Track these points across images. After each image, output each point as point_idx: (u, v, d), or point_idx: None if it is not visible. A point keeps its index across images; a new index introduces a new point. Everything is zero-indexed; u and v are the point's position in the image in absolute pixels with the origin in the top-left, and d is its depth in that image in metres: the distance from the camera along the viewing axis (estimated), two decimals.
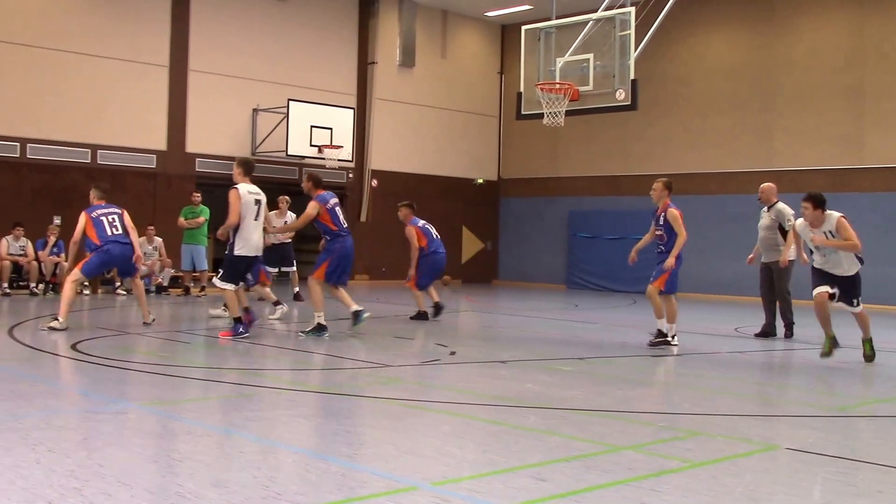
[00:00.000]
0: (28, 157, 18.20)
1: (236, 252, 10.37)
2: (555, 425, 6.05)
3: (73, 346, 9.26)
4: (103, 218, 11.16)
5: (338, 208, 11.14)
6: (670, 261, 10.45)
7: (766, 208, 12.49)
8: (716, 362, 9.92)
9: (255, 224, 10.44)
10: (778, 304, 12.34)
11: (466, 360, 9.31)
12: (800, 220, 9.61)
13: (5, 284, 16.16)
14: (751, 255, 12.72)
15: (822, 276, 9.57)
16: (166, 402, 6.69)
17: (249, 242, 10.41)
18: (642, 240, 11.15)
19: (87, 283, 16.96)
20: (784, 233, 11.99)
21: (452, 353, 9.63)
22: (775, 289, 12.31)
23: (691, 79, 22.47)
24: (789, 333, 12.24)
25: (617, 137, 23.54)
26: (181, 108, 20.31)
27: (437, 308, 13.65)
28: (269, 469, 4.79)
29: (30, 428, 5.53)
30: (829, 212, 9.29)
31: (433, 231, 13.86)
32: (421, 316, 13.48)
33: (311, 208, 10.91)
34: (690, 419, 6.43)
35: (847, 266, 9.45)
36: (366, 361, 8.98)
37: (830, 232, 9.25)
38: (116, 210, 11.39)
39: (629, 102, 13.14)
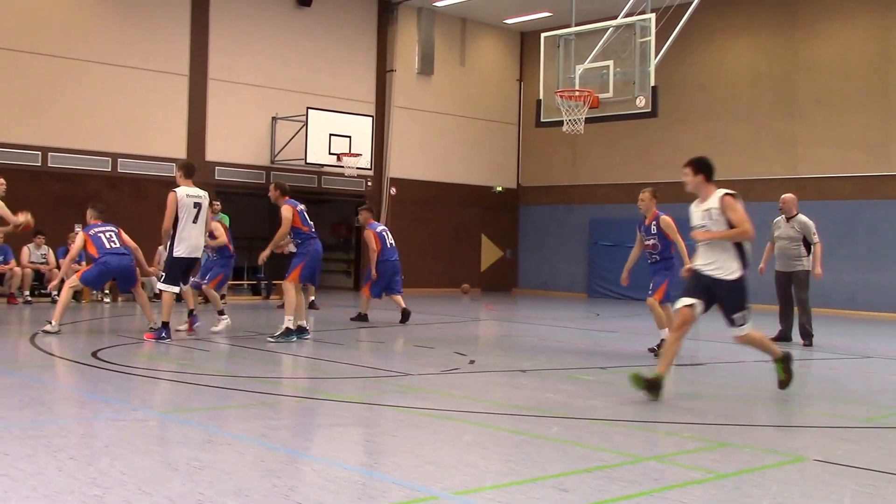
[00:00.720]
0: (49, 165, 18.33)
1: (175, 253, 10.75)
2: (577, 435, 5.98)
3: (94, 354, 9.28)
4: (101, 234, 11.46)
5: (305, 213, 11.53)
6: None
7: (784, 218, 12.58)
8: (740, 372, 9.83)
9: (193, 226, 10.79)
10: (798, 313, 12.38)
11: (486, 369, 9.26)
12: (694, 204, 7.73)
13: (27, 292, 16.25)
14: (762, 265, 12.86)
15: (694, 282, 7.51)
16: (187, 409, 6.68)
17: (188, 243, 10.76)
18: (631, 257, 10.91)
19: (108, 292, 17.05)
20: (808, 245, 12.35)
21: (472, 362, 9.58)
22: (794, 297, 12.50)
23: (712, 85, 22.35)
24: (808, 343, 12.19)
25: (637, 144, 23.44)
26: (201, 117, 20.40)
27: (404, 315, 14.09)
28: (290, 478, 4.76)
29: (51, 435, 5.52)
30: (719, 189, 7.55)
31: (389, 238, 14.29)
32: (361, 317, 14.05)
33: (287, 211, 11.21)
34: (715, 429, 6.35)
35: (723, 266, 7.30)
36: (385, 370, 8.94)
37: (714, 210, 7.38)
38: (112, 227, 11.68)
39: (649, 109, 13.11)
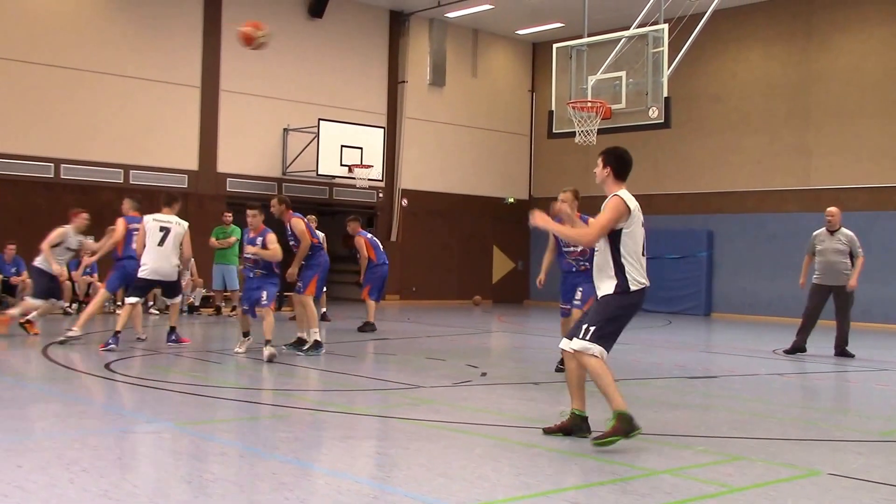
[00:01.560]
0: (62, 177, 18.42)
1: (139, 274, 11.17)
2: (590, 448, 5.95)
3: (107, 366, 9.30)
4: (134, 233, 11.63)
5: (311, 225, 11.63)
6: None
7: (826, 231, 12.41)
8: (754, 385, 9.77)
9: (157, 249, 11.11)
10: (840, 325, 12.38)
11: (498, 381, 9.23)
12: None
13: None
14: (802, 279, 12.74)
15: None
16: (199, 422, 6.67)
17: (149, 266, 11.10)
18: (547, 258, 9.84)
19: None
20: (852, 258, 12.24)
21: (484, 374, 9.55)
22: (837, 311, 12.35)
23: (726, 96, 22.28)
24: (851, 355, 12.27)
25: (650, 156, 23.36)
26: (212, 129, 20.48)
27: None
28: (302, 491, 4.75)
29: (64, 447, 5.53)
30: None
31: (379, 244, 14.70)
32: (369, 326, 14.16)
33: (301, 224, 11.14)
34: (729, 443, 6.31)
35: (600, 286, 6.21)
36: (397, 382, 8.92)
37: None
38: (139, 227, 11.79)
39: (662, 120, 13.08)
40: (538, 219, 6.32)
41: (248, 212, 10.78)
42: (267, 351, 10.07)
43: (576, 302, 9.26)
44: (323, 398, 8.16)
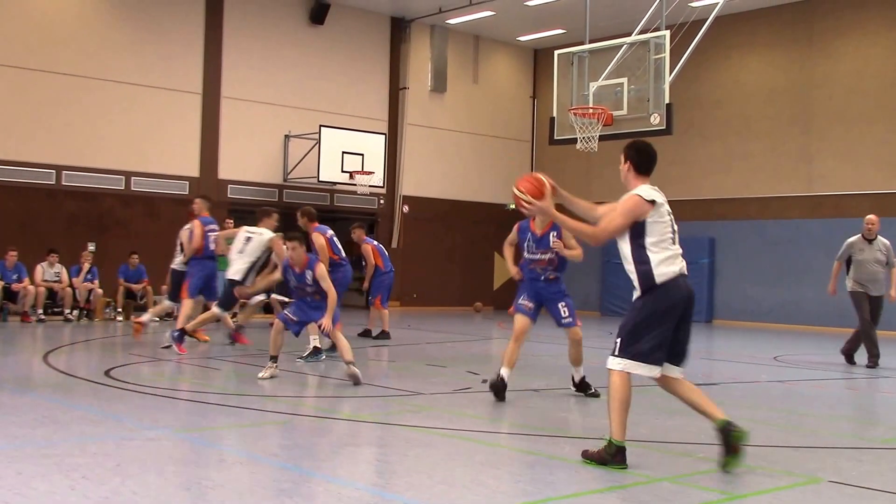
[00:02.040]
0: (63, 184, 18.43)
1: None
2: None
3: (107, 373, 9.29)
4: (210, 234, 11.78)
5: (335, 238, 11.56)
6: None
7: (863, 238, 12.13)
8: (755, 392, 9.75)
9: (237, 255, 11.44)
10: (856, 335, 12.21)
11: None
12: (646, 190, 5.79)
13: (40, 310, 16.29)
14: (833, 286, 12.47)
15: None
16: (199, 428, 6.67)
17: (231, 268, 11.59)
18: (508, 252, 8.85)
19: (120, 310, 17.08)
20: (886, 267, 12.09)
21: (484, 382, 9.53)
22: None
23: (728, 102, 22.29)
24: (854, 361, 12.22)
25: None
26: (213, 135, 20.50)
27: (369, 333, 14.42)
28: (302, 498, 4.74)
29: (64, 454, 5.52)
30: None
31: (385, 251, 14.62)
32: (384, 335, 14.10)
33: (319, 239, 11.08)
34: None
35: (629, 273, 5.85)
36: (397, 389, 8.91)
37: None
38: (216, 226, 12.02)
39: (664, 127, 13.06)
40: (538, 202, 5.72)
41: (288, 244, 9.15)
42: (351, 374, 8.94)
43: (566, 321, 8.60)
44: (323, 405, 8.15)
